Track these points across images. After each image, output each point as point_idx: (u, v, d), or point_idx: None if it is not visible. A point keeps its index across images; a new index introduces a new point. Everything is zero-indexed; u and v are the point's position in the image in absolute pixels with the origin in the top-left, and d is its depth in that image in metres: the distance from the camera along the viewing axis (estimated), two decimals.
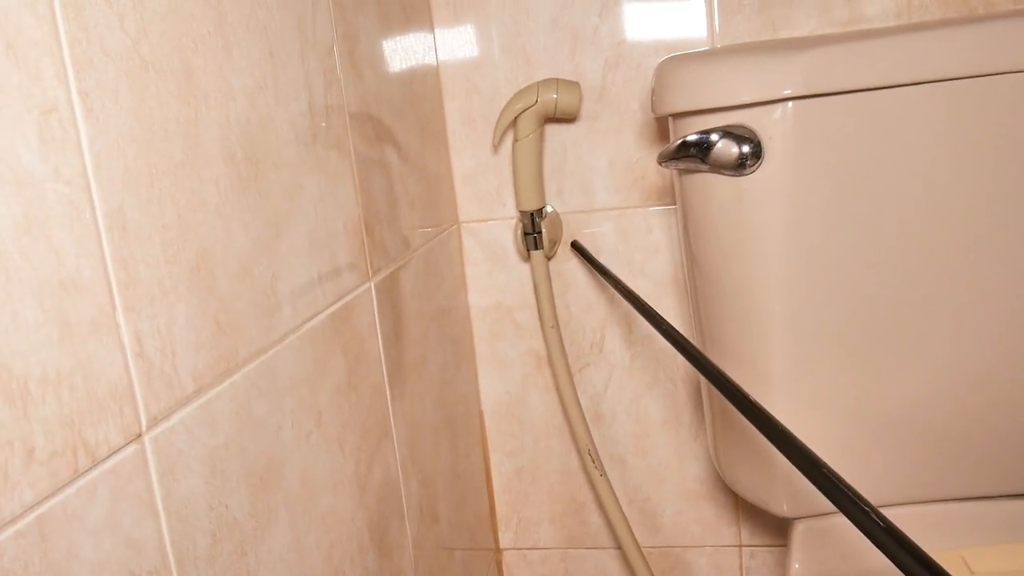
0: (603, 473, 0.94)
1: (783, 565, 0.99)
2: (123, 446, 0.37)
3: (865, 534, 0.37)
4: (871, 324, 0.70)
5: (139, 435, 0.38)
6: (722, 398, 0.78)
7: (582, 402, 0.97)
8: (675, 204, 0.91)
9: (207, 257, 0.45)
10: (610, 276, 0.81)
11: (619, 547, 1.01)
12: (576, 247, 0.92)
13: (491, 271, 0.97)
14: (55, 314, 0.34)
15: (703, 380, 0.82)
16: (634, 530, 0.98)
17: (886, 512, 0.74)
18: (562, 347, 0.94)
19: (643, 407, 0.97)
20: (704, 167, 0.69)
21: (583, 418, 0.95)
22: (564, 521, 1.02)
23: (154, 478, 0.39)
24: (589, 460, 0.94)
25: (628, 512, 0.99)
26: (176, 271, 0.42)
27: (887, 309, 0.70)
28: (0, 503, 0.31)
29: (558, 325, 0.94)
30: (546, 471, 1.01)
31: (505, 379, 0.99)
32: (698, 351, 0.58)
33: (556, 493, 1.02)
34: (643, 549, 0.98)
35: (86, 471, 0.35)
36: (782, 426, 0.46)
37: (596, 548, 1.02)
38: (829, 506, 0.74)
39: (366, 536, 0.63)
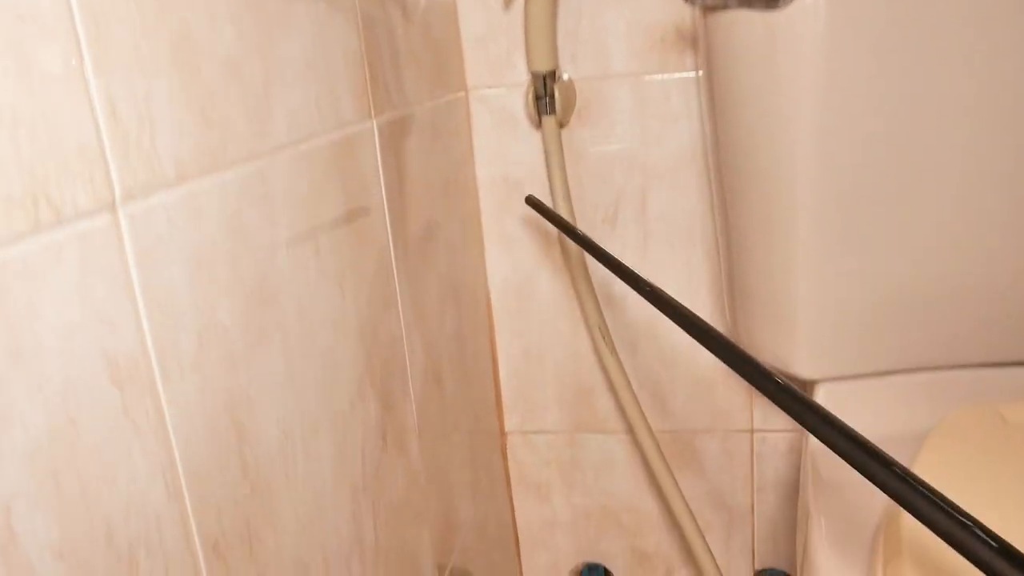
0: (614, 351, 0.91)
1: (796, 451, 0.96)
2: (93, 212, 0.33)
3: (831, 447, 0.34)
4: (904, 194, 0.66)
5: (111, 204, 0.34)
6: (739, 262, 0.74)
7: (593, 282, 0.93)
8: (696, 71, 0.86)
9: (189, 37, 0.40)
10: (573, 232, 0.67)
11: (628, 431, 0.98)
12: (531, 201, 0.76)
13: (500, 139, 0.92)
14: (9, 44, 0.30)
15: (720, 250, 0.78)
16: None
17: (922, 376, 0.71)
18: (573, 222, 0.90)
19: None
20: (733, 1, 0.64)
21: (594, 295, 0.91)
22: (572, 405, 1.00)
23: (130, 257, 0.35)
24: (600, 337, 0.91)
25: (638, 396, 0.96)
26: (154, 43, 0.38)
27: (922, 178, 0.65)
28: None
29: (570, 198, 0.89)
30: (554, 354, 0.98)
31: (513, 257, 0.96)
32: (673, 299, 0.51)
33: (564, 376, 0.99)
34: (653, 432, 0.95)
35: (49, 228, 0.31)
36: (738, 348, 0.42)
37: (603, 432, 0.99)
38: (852, 368, 0.71)
39: (367, 383, 0.60)
